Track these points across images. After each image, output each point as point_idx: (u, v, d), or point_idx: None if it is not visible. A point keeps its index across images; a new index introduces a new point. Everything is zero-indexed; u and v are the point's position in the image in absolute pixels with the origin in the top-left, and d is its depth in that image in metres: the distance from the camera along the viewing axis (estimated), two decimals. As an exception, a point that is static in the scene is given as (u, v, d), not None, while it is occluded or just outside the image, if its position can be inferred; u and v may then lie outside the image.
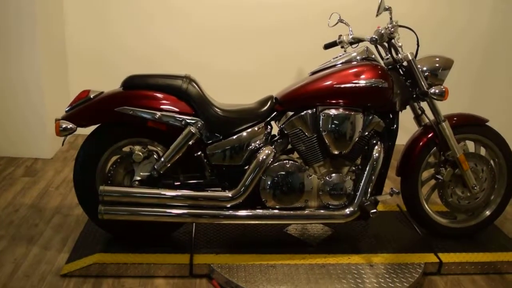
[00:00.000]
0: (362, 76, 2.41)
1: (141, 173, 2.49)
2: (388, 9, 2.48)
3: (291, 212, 2.48)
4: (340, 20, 2.73)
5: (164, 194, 2.40)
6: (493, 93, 4.63)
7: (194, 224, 2.74)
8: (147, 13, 4.32)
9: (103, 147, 2.50)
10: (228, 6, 4.33)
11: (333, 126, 2.41)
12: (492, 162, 2.78)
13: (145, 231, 2.57)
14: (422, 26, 4.47)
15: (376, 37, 2.49)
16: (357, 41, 2.72)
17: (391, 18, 2.51)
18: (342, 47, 2.78)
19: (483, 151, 2.80)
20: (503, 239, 2.86)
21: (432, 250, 2.66)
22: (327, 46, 2.87)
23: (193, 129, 2.39)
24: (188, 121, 2.41)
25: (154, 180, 2.47)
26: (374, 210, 2.42)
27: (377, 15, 2.51)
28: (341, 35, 2.78)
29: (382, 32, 2.50)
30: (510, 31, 4.46)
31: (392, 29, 2.49)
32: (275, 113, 2.52)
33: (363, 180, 2.51)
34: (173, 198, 2.39)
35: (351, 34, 2.72)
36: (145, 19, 4.34)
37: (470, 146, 2.77)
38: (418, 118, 2.71)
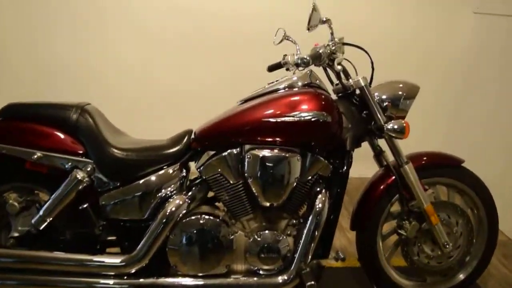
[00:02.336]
0: (300, 107, 1.88)
1: (19, 228, 1.96)
2: (326, 21, 1.97)
3: (208, 281, 1.93)
4: (286, 37, 2.18)
5: (37, 257, 1.86)
6: (472, 127, 3.80)
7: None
8: (81, 20, 3.75)
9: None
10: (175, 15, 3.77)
11: (261, 170, 1.87)
12: (469, 212, 2.25)
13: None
14: (384, 43, 3.89)
15: (307, 58, 1.96)
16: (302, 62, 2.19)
17: (332, 34, 1.99)
18: (287, 69, 2.24)
19: (458, 199, 2.26)
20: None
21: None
22: (271, 68, 2.30)
23: (79, 175, 1.86)
24: (75, 163, 1.88)
25: (34, 237, 1.93)
26: (311, 283, 1.88)
27: (308, 29, 1.99)
28: (285, 55, 2.23)
29: (320, 51, 1.97)
30: (493, 51, 3.68)
31: (334, 48, 1.97)
32: (193, 151, 2.00)
33: (302, 239, 1.96)
34: (47, 262, 1.85)
35: (297, 54, 2.17)
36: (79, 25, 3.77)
37: (443, 192, 2.24)
38: (378, 156, 2.18)
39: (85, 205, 1.88)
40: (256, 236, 1.94)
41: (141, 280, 1.89)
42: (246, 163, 1.88)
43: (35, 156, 1.86)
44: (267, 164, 1.87)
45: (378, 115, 1.98)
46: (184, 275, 1.92)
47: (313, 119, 1.87)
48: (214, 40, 3.77)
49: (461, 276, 2.27)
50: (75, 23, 3.68)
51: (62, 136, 1.90)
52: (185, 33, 3.74)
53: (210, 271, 1.93)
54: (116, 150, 1.90)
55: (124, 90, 3.82)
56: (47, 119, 1.92)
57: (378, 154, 2.17)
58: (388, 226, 2.23)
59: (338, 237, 2.76)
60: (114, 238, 1.98)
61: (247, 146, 1.90)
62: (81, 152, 1.90)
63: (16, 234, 1.94)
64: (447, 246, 2.13)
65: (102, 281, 1.87)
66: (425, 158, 2.18)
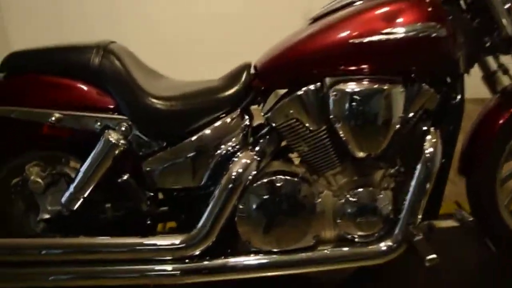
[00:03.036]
0: (401, 19, 1.36)
1: (48, 208, 1.55)
2: None
3: (291, 256, 1.51)
4: None
5: (74, 244, 1.48)
6: None
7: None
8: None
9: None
10: None
11: (353, 111, 1.38)
12: None
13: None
14: None
15: None
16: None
17: None
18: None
19: None
20: None
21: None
22: None
23: (112, 137, 1.41)
24: (106, 122, 1.44)
25: (68, 220, 1.53)
26: (432, 256, 1.43)
27: None
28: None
29: None
30: None
31: None
32: (256, 92, 1.52)
33: (409, 194, 1.50)
34: (87, 251, 1.47)
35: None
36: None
37: None
38: (491, 79, 1.65)
39: (125, 176, 1.44)
40: (348, 196, 1.49)
41: (206, 262, 1.47)
42: (330, 103, 1.39)
43: (53, 118, 1.42)
44: (360, 101, 1.37)
45: (504, 21, 1.44)
46: (259, 252, 1.50)
47: (421, 35, 1.35)
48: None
49: None
50: None
51: (83, 87, 1.45)
52: None
53: (293, 244, 1.50)
54: (155, 100, 1.44)
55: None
56: (62, 67, 1.46)
57: (493, 76, 1.64)
58: (508, 167, 1.74)
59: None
60: (166, 211, 1.55)
61: (329, 80, 1.40)
62: (111, 106, 1.45)
63: (45, 216, 1.54)
64: None
65: (157, 267, 1.47)
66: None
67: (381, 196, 1.50)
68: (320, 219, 1.49)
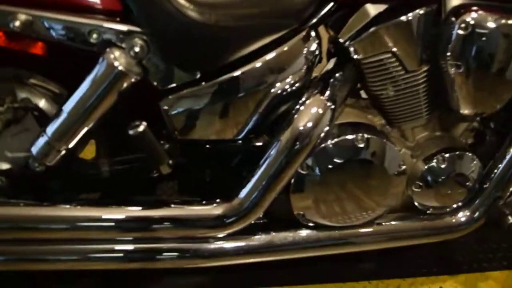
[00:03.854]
0: None
1: (8, 155, 1.03)
2: None
3: (354, 230, 1.16)
4: None
5: (61, 218, 0.99)
6: None
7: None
8: None
9: None
10: None
11: (484, 53, 0.96)
12: None
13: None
14: None
15: None
16: None
17: None
18: None
19: None
20: None
21: None
22: None
23: (118, 60, 0.89)
24: (107, 35, 0.90)
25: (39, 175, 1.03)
26: None
27: None
28: None
29: None
30: None
31: None
32: (331, 5, 1.02)
33: (504, 162, 1.16)
34: (63, 225, 1.01)
35: None
36: None
37: None
38: None
39: (140, 127, 0.94)
40: (436, 160, 1.12)
41: (257, 236, 1.08)
42: (453, 37, 0.95)
43: (17, 22, 0.85)
44: (498, 41, 0.95)
45: None
46: (314, 227, 1.13)
47: None
48: None
49: None
50: None
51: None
52: None
53: (360, 218, 1.12)
54: (190, 6, 0.90)
55: None
56: None
57: None
58: None
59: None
60: (186, 171, 1.09)
61: (451, 3, 0.95)
62: (116, 9, 0.90)
63: (3, 167, 1.03)
64: None
65: (176, 246, 1.05)
66: None
67: (472, 161, 1.14)
68: (399, 187, 1.12)
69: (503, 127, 1.18)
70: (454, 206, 1.20)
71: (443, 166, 1.12)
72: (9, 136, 1.01)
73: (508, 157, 1.16)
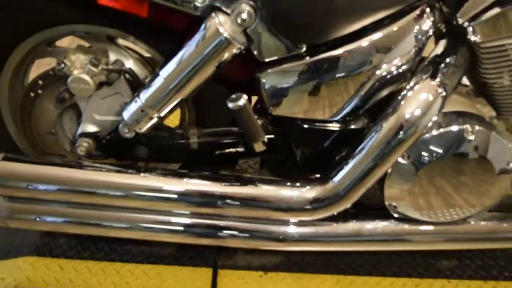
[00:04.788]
0: None
1: (97, 118, 1.01)
2: None
3: (444, 228, 1.08)
4: None
5: (144, 187, 0.97)
6: None
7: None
8: None
9: (8, 39, 0.97)
10: None
11: None
12: None
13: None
14: None
15: None
16: None
17: None
18: None
19: None
20: None
21: None
22: None
23: (223, 26, 0.84)
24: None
25: (126, 141, 1.00)
26: None
27: None
28: None
29: None
30: None
31: None
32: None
33: None
34: (156, 196, 0.98)
35: None
36: None
37: None
38: None
39: (241, 101, 0.88)
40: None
41: (341, 224, 1.03)
42: None
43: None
44: None
45: None
46: (405, 220, 1.06)
47: None
48: None
49: None
50: None
51: None
52: None
53: (458, 214, 1.05)
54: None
55: None
56: None
57: None
58: None
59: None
60: (277, 148, 1.04)
61: None
62: (226, -28, 0.85)
63: (90, 130, 1.01)
64: None
65: (273, 229, 1.01)
66: None
67: None
68: (504, 185, 1.03)
69: None
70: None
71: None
72: (99, 98, 0.98)
73: None
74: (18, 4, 0.92)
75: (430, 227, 1.06)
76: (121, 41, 1.03)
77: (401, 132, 0.91)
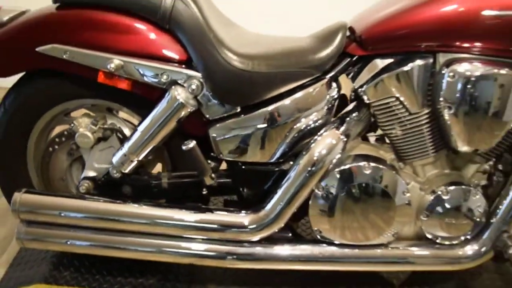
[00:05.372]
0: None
1: (95, 166, 1.37)
2: None
3: (364, 251, 1.34)
4: None
5: (124, 213, 1.30)
6: None
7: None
8: None
9: (35, 110, 1.37)
10: None
11: (471, 97, 1.16)
12: None
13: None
14: None
15: None
16: None
17: None
18: None
19: None
20: None
21: None
22: None
23: (180, 94, 1.21)
24: (173, 76, 1.22)
25: (118, 182, 1.35)
26: None
27: None
28: None
29: None
30: None
31: None
32: (349, 59, 1.29)
33: (508, 198, 1.31)
34: (136, 221, 1.30)
35: None
36: None
37: None
38: None
39: (190, 142, 1.24)
40: (439, 191, 1.29)
41: (267, 248, 1.31)
42: (443, 84, 1.17)
43: (112, 65, 1.20)
44: (482, 86, 1.15)
45: None
46: (330, 243, 1.33)
47: None
48: None
49: None
50: None
51: (150, 32, 1.23)
52: None
53: (370, 239, 1.32)
54: (235, 57, 1.21)
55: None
56: (127, 4, 1.23)
57: None
58: None
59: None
60: (226, 185, 1.36)
61: (443, 56, 1.18)
62: (181, 58, 1.23)
63: (90, 174, 1.36)
64: None
65: (207, 246, 1.31)
66: None
67: (475, 195, 1.30)
68: (405, 214, 1.30)
69: (510, 167, 1.33)
70: (462, 238, 1.34)
71: (446, 197, 1.28)
72: (98, 151, 1.35)
73: (511, 194, 1.30)
74: (44, 84, 1.33)
75: (351, 250, 1.32)
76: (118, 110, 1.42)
77: (312, 168, 1.22)
